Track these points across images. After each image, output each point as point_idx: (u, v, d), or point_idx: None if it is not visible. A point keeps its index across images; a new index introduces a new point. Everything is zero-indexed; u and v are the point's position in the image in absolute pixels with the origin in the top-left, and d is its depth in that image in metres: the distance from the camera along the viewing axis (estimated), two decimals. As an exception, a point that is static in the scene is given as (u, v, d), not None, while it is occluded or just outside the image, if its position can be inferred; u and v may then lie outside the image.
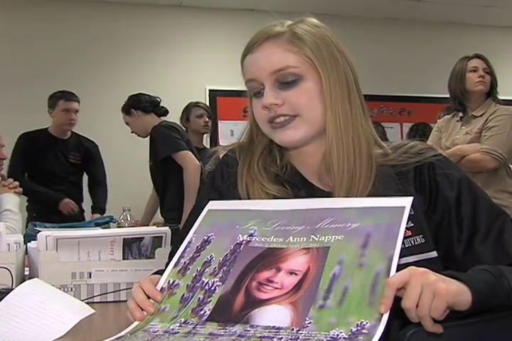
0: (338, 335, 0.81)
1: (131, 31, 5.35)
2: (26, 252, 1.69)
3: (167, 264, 1.24)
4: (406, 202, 0.97)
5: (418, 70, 5.84)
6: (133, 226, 2.63)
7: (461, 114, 3.22)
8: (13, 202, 2.53)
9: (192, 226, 1.16)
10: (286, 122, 1.15)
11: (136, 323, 0.99)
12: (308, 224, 1.01)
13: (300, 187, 1.20)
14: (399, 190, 1.13)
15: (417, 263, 0.91)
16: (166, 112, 3.84)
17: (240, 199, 1.20)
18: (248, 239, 1.04)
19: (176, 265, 1.06)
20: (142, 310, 1.01)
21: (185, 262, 1.06)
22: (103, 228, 2.36)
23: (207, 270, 1.02)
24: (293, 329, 0.85)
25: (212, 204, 1.16)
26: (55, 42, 5.16)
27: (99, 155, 4.41)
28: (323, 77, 1.14)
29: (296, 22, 1.19)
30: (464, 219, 1.11)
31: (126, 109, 3.79)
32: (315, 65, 1.14)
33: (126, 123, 3.85)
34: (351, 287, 0.88)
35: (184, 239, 1.11)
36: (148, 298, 1.02)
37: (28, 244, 1.66)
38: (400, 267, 0.87)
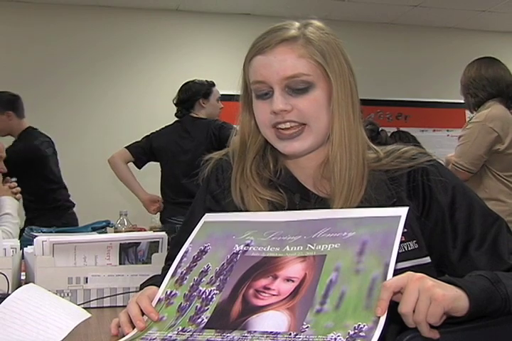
0: (335, 339, 0.82)
1: (128, 35, 5.35)
2: (23, 257, 1.69)
3: (163, 269, 1.25)
4: (402, 211, 0.98)
5: (415, 75, 5.85)
6: (130, 231, 2.63)
7: None
8: (13, 205, 2.52)
9: (188, 230, 1.17)
10: (296, 134, 1.15)
11: (134, 332, 0.99)
12: (305, 234, 1.01)
13: (294, 191, 1.20)
14: (391, 196, 1.13)
15: (410, 269, 0.91)
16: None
17: (235, 204, 1.20)
18: (245, 248, 1.05)
19: (173, 275, 1.07)
20: (132, 325, 1.01)
21: (182, 272, 1.06)
22: (99, 233, 2.35)
23: (204, 279, 1.02)
24: (290, 334, 0.86)
25: (208, 217, 1.16)
26: (53, 46, 5.15)
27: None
28: (334, 85, 1.14)
29: (306, 25, 1.18)
30: (458, 225, 1.11)
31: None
32: (326, 73, 1.14)
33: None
34: (348, 291, 0.88)
35: (180, 248, 1.12)
36: (143, 314, 1.02)
37: (25, 249, 1.65)
38: (394, 273, 0.88)
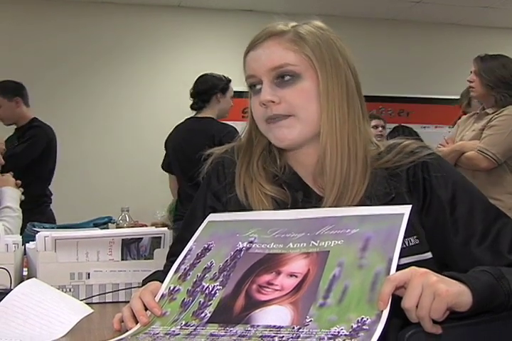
0: (339, 332, 0.82)
1: (129, 31, 5.35)
2: (25, 253, 1.69)
3: (165, 265, 1.25)
4: (405, 209, 0.98)
5: (417, 71, 5.85)
6: (131, 227, 2.63)
7: (478, 111, 3.20)
8: (14, 197, 2.44)
9: (190, 228, 1.18)
10: (282, 119, 1.15)
11: (137, 327, 0.99)
12: (308, 231, 1.02)
13: (297, 188, 1.20)
14: (390, 192, 1.13)
15: (411, 265, 0.91)
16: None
17: (237, 199, 1.21)
18: (248, 245, 1.05)
19: (176, 271, 1.07)
20: (136, 320, 1.01)
21: (185, 268, 1.06)
22: (101, 229, 2.35)
23: (207, 275, 1.03)
24: (293, 328, 0.86)
25: (212, 216, 1.17)
26: (54, 43, 5.15)
27: None
28: (321, 77, 1.14)
29: (302, 23, 1.20)
30: (459, 220, 1.10)
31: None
32: (314, 65, 1.15)
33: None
34: (351, 286, 0.88)
35: (182, 245, 1.13)
36: (146, 309, 1.02)
37: (27, 245, 1.65)
38: (396, 268, 0.88)
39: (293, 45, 1.15)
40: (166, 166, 3.71)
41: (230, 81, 3.63)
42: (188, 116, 3.64)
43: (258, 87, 1.18)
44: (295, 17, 1.22)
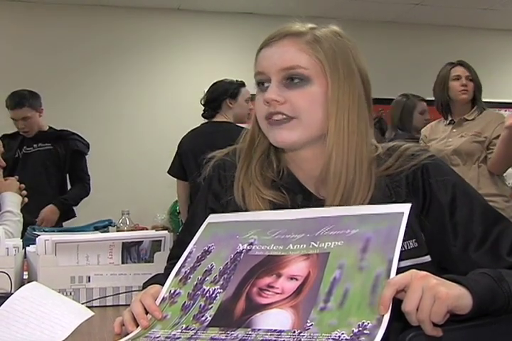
0: (339, 337, 0.82)
1: (129, 34, 5.35)
2: (25, 256, 1.69)
3: (166, 268, 1.25)
4: (404, 208, 0.98)
5: (417, 73, 5.83)
6: (132, 230, 2.63)
7: (450, 118, 3.36)
8: (15, 202, 2.44)
9: (190, 230, 1.17)
10: (283, 122, 1.14)
11: (137, 330, 0.99)
12: (308, 232, 1.01)
13: (296, 192, 1.19)
14: (390, 195, 1.13)
15: (410, 268, 0.91)
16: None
17: (235, 202, 1.21)
18: (248, 247, 1.05)
19: (176, 274, 1.07)
20: (136, 324, 1.01)
21: (185, 271, 1.06)
22: (102, 232, 2.35)
23: (207, 278, 1.03)
24: (294, 332, 0.86)
25: (212, 218, 1.17)
26: (53, 44, 5.16)
27: None
28: (331, 84, 1.13)
29: (321, 27, 1.19)
30: (458, 223, 1.10)
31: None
32: (325, 71, 1.14)
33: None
34: (352, 289, 0.88)
35: (182, 247, 1.13)
36: (147, 313, 1.02)
37: (27, 248, 1.66)
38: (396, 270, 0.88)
39: (307, 48, 1.14)
40: (176, 172, 3.58)
41: (241, 85, 3.57)
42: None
43: (266, 84, 1.17)
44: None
